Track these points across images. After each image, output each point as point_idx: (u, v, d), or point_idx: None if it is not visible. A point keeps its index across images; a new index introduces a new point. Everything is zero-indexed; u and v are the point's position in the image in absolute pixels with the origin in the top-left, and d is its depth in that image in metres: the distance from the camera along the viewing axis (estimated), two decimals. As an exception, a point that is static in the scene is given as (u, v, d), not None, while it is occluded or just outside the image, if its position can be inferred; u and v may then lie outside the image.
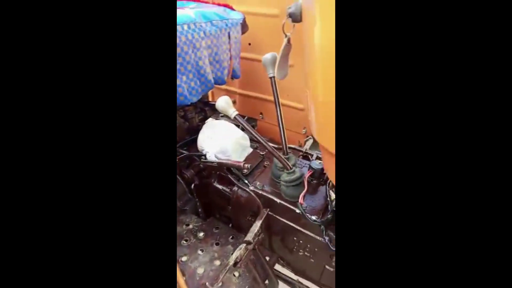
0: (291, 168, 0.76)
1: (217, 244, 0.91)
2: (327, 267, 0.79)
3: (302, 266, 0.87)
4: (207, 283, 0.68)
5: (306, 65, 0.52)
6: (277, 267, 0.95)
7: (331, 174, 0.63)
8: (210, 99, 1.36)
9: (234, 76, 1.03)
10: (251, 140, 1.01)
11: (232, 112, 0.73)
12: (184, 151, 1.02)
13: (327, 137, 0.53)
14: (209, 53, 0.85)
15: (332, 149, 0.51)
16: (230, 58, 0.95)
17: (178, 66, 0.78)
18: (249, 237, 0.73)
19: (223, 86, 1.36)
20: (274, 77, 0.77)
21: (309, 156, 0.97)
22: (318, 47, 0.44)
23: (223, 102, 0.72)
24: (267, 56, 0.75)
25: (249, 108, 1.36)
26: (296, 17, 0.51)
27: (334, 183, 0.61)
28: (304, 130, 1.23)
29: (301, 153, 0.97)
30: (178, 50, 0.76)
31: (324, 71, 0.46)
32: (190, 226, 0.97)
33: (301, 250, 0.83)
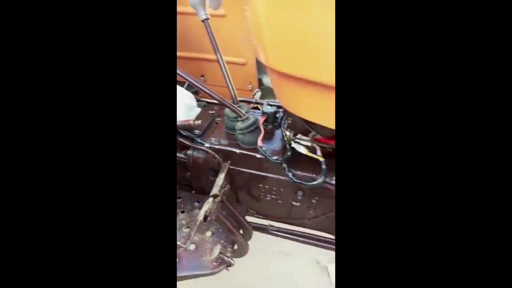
0: (244, 115, 0.74)
1: (182, 212, 0.87)
2: (293, 203, 0.84)
3: (271, 209, 0.91)
4: (179, 243, 0.65)
5: None
6: (247, 218, 0.97)
7: (284, 101, 0.63)
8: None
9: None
10: (197, 100, 0.95)
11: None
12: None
13: (278, 57, 0.51)
14: None
15: (282, 68, 0.50)
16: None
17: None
18: (215, 190, 0.71)
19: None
20: (207, 19, 0.71)
21: (259, 107, 0.97)
22: None
23: None
24: None
25: (189, 72, 1.25)
26: None
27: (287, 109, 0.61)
28: (250, 86, 1.22)
29: (251, 104, 0.96)
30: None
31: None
32: (149, 202, 0.90)
33: (268, 195, 0.86)
